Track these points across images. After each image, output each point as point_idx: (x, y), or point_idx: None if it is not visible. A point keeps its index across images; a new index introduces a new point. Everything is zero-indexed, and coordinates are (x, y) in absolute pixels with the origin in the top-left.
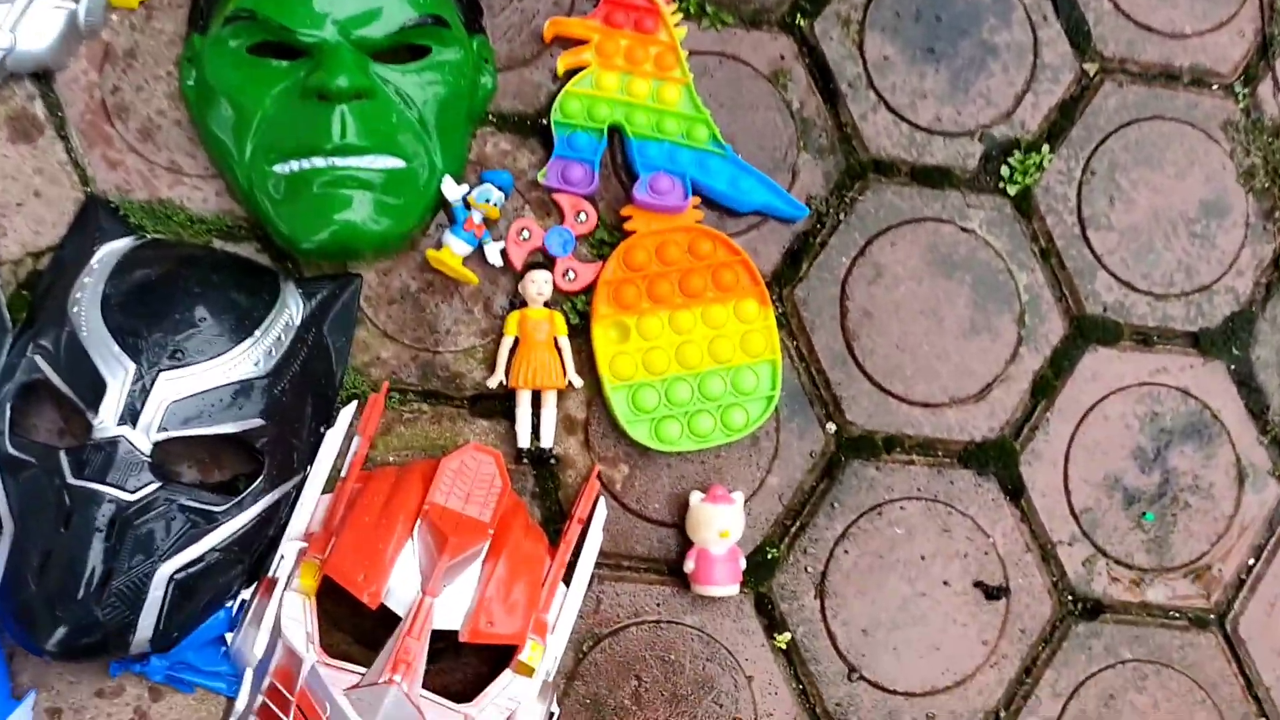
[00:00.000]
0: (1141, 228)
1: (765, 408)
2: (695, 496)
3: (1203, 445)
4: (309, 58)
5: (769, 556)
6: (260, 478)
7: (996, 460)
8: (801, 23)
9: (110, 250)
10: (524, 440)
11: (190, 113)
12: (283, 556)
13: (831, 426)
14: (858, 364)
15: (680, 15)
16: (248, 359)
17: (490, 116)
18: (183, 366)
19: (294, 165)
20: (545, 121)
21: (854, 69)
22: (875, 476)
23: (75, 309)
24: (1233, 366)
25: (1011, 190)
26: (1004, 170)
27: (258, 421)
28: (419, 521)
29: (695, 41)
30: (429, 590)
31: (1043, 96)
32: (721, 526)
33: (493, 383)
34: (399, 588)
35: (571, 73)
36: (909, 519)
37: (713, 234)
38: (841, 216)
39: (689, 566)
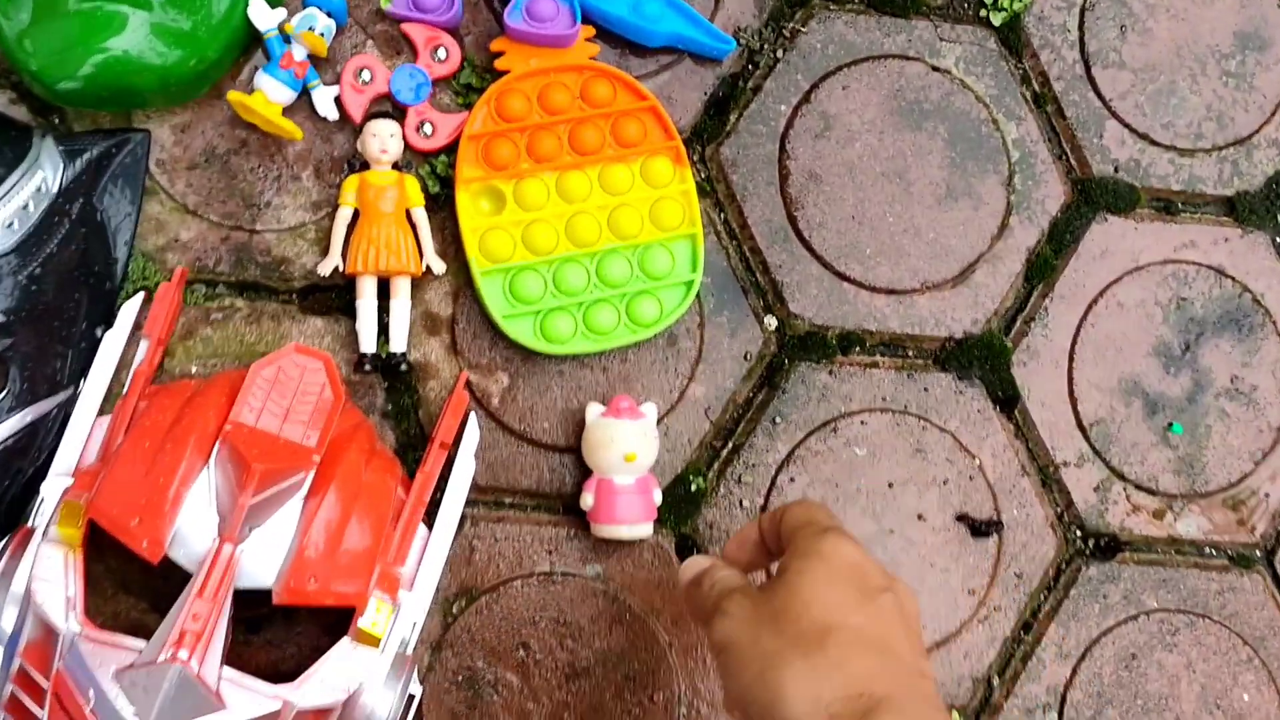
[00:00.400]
0: (1161, 65)
1: (684, 296)
2: (593, 410)
3: (1243, 338)
4: None
5: (693, 488)
6: (4, 392)
7: (983, 361)
8: None
9: None
10: (368, 343)
11: None
12: (43, 499)
13: (771, 321)
14: (803, 241)
15: None
16: None
17: None
18: None
19: None
20: None
21: None
22: (828, 384)
23: None
24: (1278, 239)
25: (995, 19)
26: None
27: None
28: (217, 446)
29: None
30: (228, 535)
31: None
32: (627, 448)
33: (325, 269)
34: (191, 535)
35: None
36: (872, 437)
37: (612, 73)
38: (779, 54)
39: (587, 501)
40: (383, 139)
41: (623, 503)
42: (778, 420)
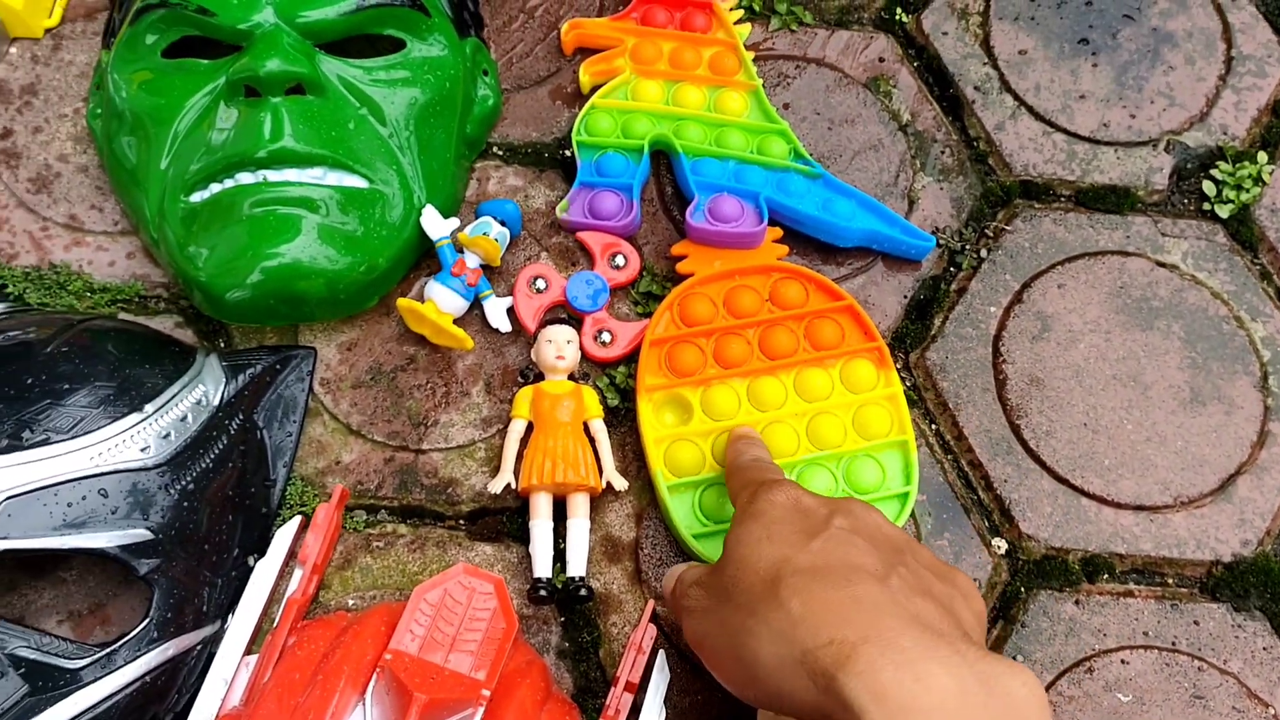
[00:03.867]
0: None
1: (899, 512)
2: None
3: None
4: (240, 52)
5: None
6: (146, 620)
7: (1261, 589)
8: (904, 18)
9: None
10: (543, 568)
11: (97, 148)
12: None
13: (1001, 544)
14: (1029, 451)
15: (741, 13)
16: (132, 442)
17: (496, 149)
18: (30, 448)
19: (214, 188)
20: (568, 152)
21: (980, 69)
22: (1076, 616)
23: None
24: None
25: (1222, 212)
26: (1207, 186)
27: (143, 534)
28: (374, 677)
29: (763, 47)
30: None
31: (1246, 94)
32: None
33: (496, 486)
34: None
35: (600, 87)
36: (1137, 679)
37: (803, 274)
38: (984, 253)
39: None
40: (559, 345)
41: None
42: (1019, 659)
